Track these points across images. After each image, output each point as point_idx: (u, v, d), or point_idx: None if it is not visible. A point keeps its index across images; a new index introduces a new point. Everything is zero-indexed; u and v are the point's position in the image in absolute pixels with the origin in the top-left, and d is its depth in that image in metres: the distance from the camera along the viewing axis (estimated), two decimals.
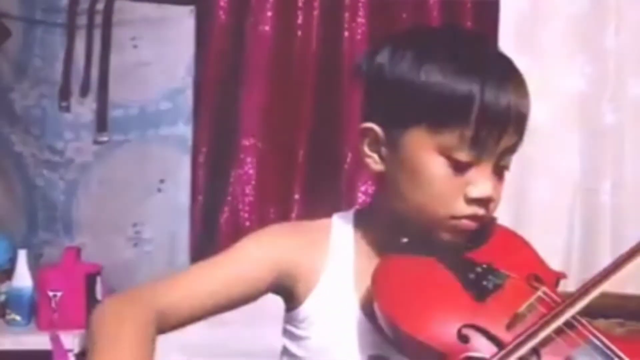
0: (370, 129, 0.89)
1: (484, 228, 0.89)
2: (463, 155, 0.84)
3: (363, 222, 0.94)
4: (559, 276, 0.90)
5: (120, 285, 2.16)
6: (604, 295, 2.11)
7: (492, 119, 0.84)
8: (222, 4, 2.30)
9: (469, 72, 0.84)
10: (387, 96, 0.88)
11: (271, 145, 2.31)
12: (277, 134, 2.30)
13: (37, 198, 2.39)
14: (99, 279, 2.21)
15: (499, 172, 0.88)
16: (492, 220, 0.92)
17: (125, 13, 2.35)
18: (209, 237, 2.29)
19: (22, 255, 2.19)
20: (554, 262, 2.48)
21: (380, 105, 0.89)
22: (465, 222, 0.86)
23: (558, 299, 0.84)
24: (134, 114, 2.38)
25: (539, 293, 0.83)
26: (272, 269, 0.90)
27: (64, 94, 2.36)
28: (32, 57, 2.38)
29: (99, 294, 2.19)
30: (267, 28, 2.29)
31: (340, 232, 0.93)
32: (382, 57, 0.89)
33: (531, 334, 0.78)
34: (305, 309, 0.90)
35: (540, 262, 0.92)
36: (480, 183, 0.85)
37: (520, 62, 2.48)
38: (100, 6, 2.34)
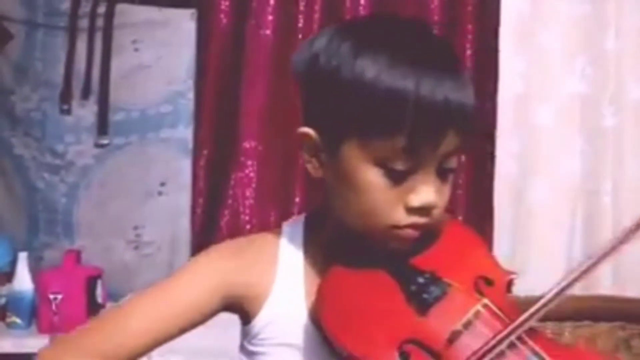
0: (307, 135, 0.84)
1: (434, 229, 0.85)
2: (399, 165, 0.79)
3: (313, 228, 0.90)
4: (510, 277, 0.85)
5: (120, 288, 2.16)
6: (606, 299, 2.11)
7: (429, 120, 0.78)
8: (223, 7, 2.30)
9: (403, 64, 0.78)
10: (321, 95, 0.83)
11: (272, 148, 2.31)
12: (277, 136, 2.30)
13: (38, 201, 2.39)
14: (99, 282, 2.21)
15: (443, 175, 0.82)
16: (443, 217, 0.87)
17: (126, 16, 2.36)
18: (209, 240, 2.29)
19: (22, 258, 2.18)
20: (555, 263, 2.49)
21: (315, 107, 0.85)
22: (408, 232, 0.82)
23: (498, 312, 0.80)
24: (135, 117, 2.38)
25: (478, 307, 0.80)
26: (214, 295, 0.87)
27: (65, 97, 2.36)
28: (34, 60, 2.38)
29: (99, 297, 2.19)
30: (268, 31, 2.30)
31: (289, 241, 0.89)
32: (318, 46, 0.83)
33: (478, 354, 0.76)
34: (257, 324, 0.87)
35: (491, 263, 0.87)
36: (421, 191, 0.80)
37: (521, 64, 2.49)
38: (101, 9, 2.35)
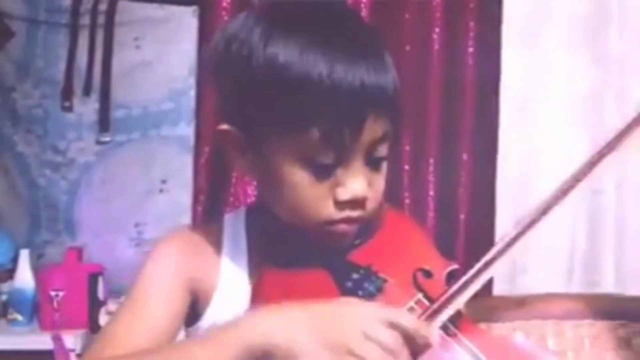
0: (226, 132, 0.80)
1: (372, 220, 0.82)
2: (322, 158, 0.75)
3: (254, 221, 0.87)
4: (450, 268, 0.82)
5: (122, 286, 2.16)
6: (606, 297, 2.11)
7: (345, 106, 0.73)
8: (224, 4, 2.30)
9: (314, 49, 0.74)
10: (234, 87, 0.78)
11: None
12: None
13: (39, 198, 2.39)
14: (101, 279, 2.21)
15: (374, 165, 0.78)
16: (382, 208, 0.84)
17: (128, 13, 2.36)
18: None
19: (24, 255, 2.19)
20: (557, 263, 2.49)
21: (230, 100, 0.80)
22: (342, 227, 0.79)
23: (431, 306, 0.76)
24: (137, 114, 2.38)
25: (411, 304, 0.76)
26: (185, 288, 0.84)
27: (67, 94, 2.36)
28: (35, 57, 2.38)
29: (101, 294, 2.19)
30: None
31: (232, 233, 0.86)
32: (232, 28, 0.79)
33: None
34: (204, 323, 0.84)
35: (431, 254, 0.84)
36: (349, 183, 0.76)
37: (524, 63, 2.49)
38: (103, 6, 2.35)
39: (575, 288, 2.14)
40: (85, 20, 2.35)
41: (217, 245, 0.86)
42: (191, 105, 2.36)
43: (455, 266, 0.83)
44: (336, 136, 0.74)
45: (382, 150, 0.79)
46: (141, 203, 2.38)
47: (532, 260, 2.16)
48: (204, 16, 2.34)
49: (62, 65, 2.36)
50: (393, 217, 0.88)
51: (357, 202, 0.78)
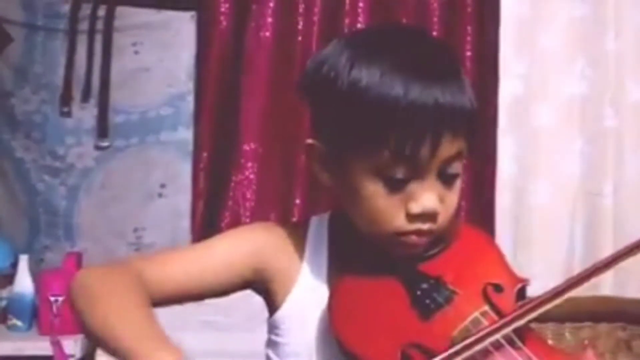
0: (312, 146, 0.87)
1: (445, 234, 0.86)
2: (397, 173, 0.81)
3: (336, 226, 0.93)
4: (521, 284, 0.86)
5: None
6: (606, 300, 2.11)
7: (421, 125, 0.79)
8: (223, 9, 2.31)
9: (393, 72, 0.80)
10: (321, 106, 0.86)
11: (272, 150, 2.31)
12: (277, 138, 2.30)
13: (38, 203, 2.39)
14: None
15: (447, 181, 0.83)
16: (456, 222, 0.89)
17: (126, 19, 2.36)
18: None
19: (23, 261, 2.18)
20: (556, 265, 2.49)
21: (318, 118, 0.88)
22: (413, 238, 0.83)
23: (498, 319, 0.80)
24: (135, 120, 2.38)
25: (476, 314, 0.81)
26: (249, 262, 0.90)
27: (65, 99, 2.36)
28: (34, 62, 2.38)
29: None
30: (267, 33, 2.30)
31: (316, 235, 0.92)
32: (322, 57, 0.86)
33: (464, 347, 0.76)
34: (282, 314, 0.89)
35: (502, 269, 0.88)
36: (421, 198, 0.81)
37: (521, 66, 2.49)
38: (101, 12, 2.35)
39: (574, 291, 2.14)
40: (84, 25, 2.35)
41: (301, 244, 0.91)
42: (190, 110, 2.36)
43: (525, 282, 0.87)
44: (410, 153, 0.80)
45: (456, 167, 0.83)
46: (140, 208, 2.38)
47: (531, 263, 2.16)
48: (202, 21, 2.35)
49: (60, 71, 2.36)
50: (467, 231, 0.92)
51: (428, 216, 0.82)
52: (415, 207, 0.82)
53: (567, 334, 1.85)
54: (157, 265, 0.88)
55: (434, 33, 2.25)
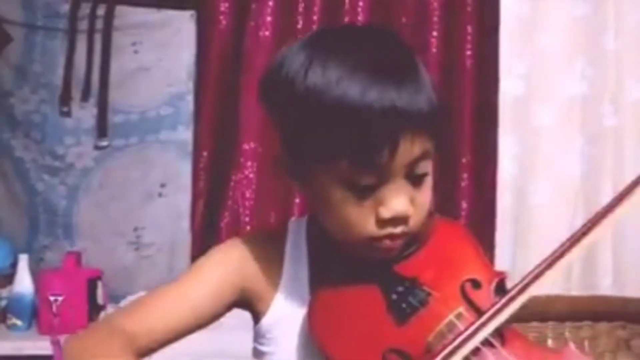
0: (279, 157, 0.86)
1: (420, 232, 0.85)
2: (362, 180, 0.79)
3: (314, 229, 0.91)
4: (499, 277, 0.84)
5: (120, 290, 2.16)
6: (606, 299, 2.11)
7: (379, 129, 0.76)
8: (222, 9, 2.30)
9: (349, 76, 0.77)
10: (280, 112, 0.84)
11: (271, 150, 2.31)
12: (277, 138, 2.30)
13: (38, 203, 2.39)
14: (100, 284, 2.21)
15: (416, 181, 0.81)
16: (431, 219, 0.87)
17: (125, 18, 2.36)
18: (209, 242, 2.29)
19: (23, 260, 2.18)
20: None
21: (278, 125, 0.86)
22: (387, 243, 0.82)
23: (473, 319, 0.78)
24: (135, 119, 2.38)
25: (451, 317, 0.79)
26: (232, 289, 0.89)
27: (65, 99, 2.36)
28: (33, 62, 2.38)
29: (100, 299, 2.19)
30: (267, 33, 2.30)
31: (294, 241, 0.91)
32: (279, 56, 0.85)
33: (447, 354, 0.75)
34: (266, 323, 0.88)
35: (480, 264, 0.86)
36: (390, 202, 0.79)
37: (521, 66, 2.49)
38: (101, 11, 2.35)
39: (575, 290, 2.14)
40: (83, 25, 2.35)
41: (280, 252, 0.90)
42: (189, 110, 2.36)
43: (503, 276, 0.85)
44: (371, 159, 0.77)
45: (423, 167, 0.81)
46: (140, 207, 2.37)
47: (531, 263, 2.16)
48: (202, 21, 2.35)
49: (60, 71, 2.36)
50: (443, 227, 0.90)
51: (399, 220, 0.81)
52: (386, 212, 0.80)
53: (567, 334, 1.85)
54: (140, 317, 0.86)
55: (434, 33, 2.25)
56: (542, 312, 1.77)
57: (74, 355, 0.82)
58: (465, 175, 2.25)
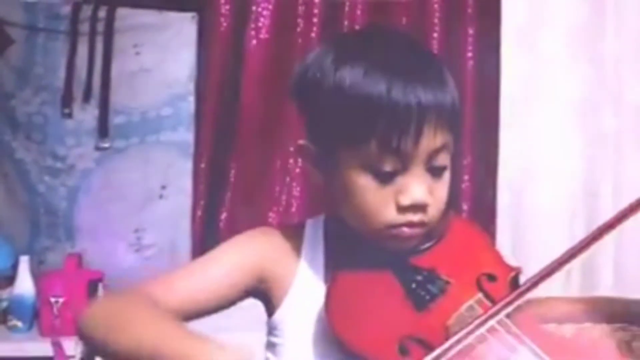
0: (304, 146, 0.90)
1: (436, 227, 0.88)
2: (385, 166, 0.83)
3: (331, 226, 0.95)
4: (514, 272, 0.89)
5: (121, 291, 2.16)
6: (606, 300, 2.11)
7: (404, 120, 0.82)
8: (223, 11, 2.31)
9: (376, 71, 0.83)
10: (309, 107, 0.90)
11: (271, 151, 2.31)
12: (277, 139, 2.30)
13: (39, 204, 2.39)
14: (100, 285, 2.21)
15: (435, 173, 0.86)
16: (447, 216, 0.90)
17: (127, 20, 2.36)
18: (210, 243, 2.28)
19: (24, 262, 2.18)
20: None
21: (306, 119, 0.91)
22: (405, 230, 0.85)
23: (490, 305, 0.82)
24: (136, 120, 2.38)
25: (471, 302, 0.83)
26: (251, 273, 0.91)
27: (66, 100, 2.37)
28: (34, 64, 2.38)
29: None
30: (267, 35, 2.30)
31: (311, 237, 0.94)
32: (309, 59, 0.91)
33: (460, 338, 0.78)
34: (279, 316, 0.90)
35: (495, 259, 0.91)
36: (410, 190, 0.84)
37: (522, 68, 2.49)
38: (102, 13, 2.35)
39: (574, 291, 2.14)
40: (85, 27, 2.35)
41: (298, 246, 0.93)
42: (190, 111, 2.37)
43: (518, 270, 0.89)
44: (398, 146, 0.82)
45: (442, 159, 0.86)
46: (141, 209, 2.38)
47: (531, 264, 2.16)
48: (203, 22, 2.35)
49: (61, 72, 2.36)
50: (458, 224, 0.94)
51: (418, 207, 0.84)
52: (405, 199, 0.83)
53: (567, 335, 1.85)
54: (162, 286, 0.89)
55: (434, 34, 2.26)
56: (542, 314, 1.77)
57: (106, 314, 0.86)
58: (465, 177, 2.26)
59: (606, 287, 2.16)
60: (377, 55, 0.85)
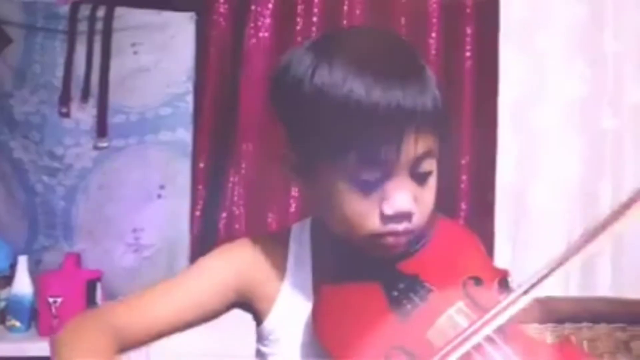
0: (286, 155, 0.87)
1: (423, 231, 0.86)
2: (366, 175, 0.80)
3: (318, 229, 0.92)
4: (501, 276, 0.86)
5: (120, 291, 2.16)
6: (605, 301, 2.11)
7: (384, 126, 0.78)
8: (222, 10, 2.31)
9: (355, 75, 0.79)
10: (288, 111, 0.86)
11: (270, 151, 2.31)
12: (276, 139, 2.30)
13: (37, 204, 2.39)
14: (99, 285, 2.21)
15: (420, 179, 0.83)
16: (434, 219, 0.88)
17: (125, 19, 2.36)
18: (208, 243, 2.29)
19: (22, 262, 2.18)
20: None
21: (288, 126, 0.87)
22: (390, 240, 0.82)
23: (473, 315, 0.79)
24: (134, 120, 2.38)
25: (451, 312, 0.80)
26: (231, 288, 0.90)
27: (64, 100, 2.36)
28: (33, 63, 2.38)
29: (99, 300, 2.19)
30: (266, 34, 2.30)
31: (298, 243, 0.92)
32: (285, 58, 0.86)
33: (447, 352, 0.76)
34: (268, 325, 0.89)
35: (482, 262, 0.88)
36: (393, 198, 0.80)
37: (521, 67, 2.49)
38: (100, 13, 2.35)
39: (573, 291, 2.14)
40: (83, 26, 2.35)
41: (283, 254, 0.91)
42: (189, 111, 2.36)
43: (505, 274, 0.86)
44: (379, 153, 0.79)
45: (426, 165, 0.82)
46: (139, 209, 2.37)
47: (529, 264, 2.16)
48: (202, 22, 2.35)
49: (59, 72, 2.36)
50: (445, 226, 0.91)
51: (402, 216, 0.81)
52: (388, 209, 0.81)
53: (566, 335, 1.85)
54: (137, 309, 0.89)
55: (433, 34, 2.26)
56: (540, 314, 1.77)
57: (61, 334, 0.89)
58: (464, 177, 2.26)
59: (604, 288, 2.16)
60: (355, 59, 0.81)
